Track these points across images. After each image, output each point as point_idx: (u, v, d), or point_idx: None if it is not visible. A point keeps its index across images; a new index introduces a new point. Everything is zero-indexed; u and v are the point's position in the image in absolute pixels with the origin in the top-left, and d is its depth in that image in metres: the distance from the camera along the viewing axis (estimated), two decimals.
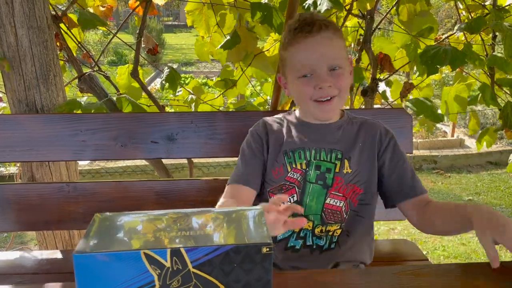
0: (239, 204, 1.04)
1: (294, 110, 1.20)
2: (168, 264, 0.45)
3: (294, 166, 1.07)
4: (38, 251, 1.47)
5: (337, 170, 1.06)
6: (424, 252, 2.00)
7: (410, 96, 2.08)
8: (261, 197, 1.10)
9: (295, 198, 1.06)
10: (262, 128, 1.14)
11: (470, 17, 1.89)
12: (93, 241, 0.47)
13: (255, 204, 1.11)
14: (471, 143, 5.05)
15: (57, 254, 1.43)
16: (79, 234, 1.77)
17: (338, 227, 1.07)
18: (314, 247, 1.06)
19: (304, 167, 1.07)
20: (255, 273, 0.46)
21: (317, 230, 1.06)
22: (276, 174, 1.08)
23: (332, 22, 1.06)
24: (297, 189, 1.06)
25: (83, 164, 4.10)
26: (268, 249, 0.46)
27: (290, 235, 1.07)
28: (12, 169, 3.54)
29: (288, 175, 1.07)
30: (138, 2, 1.88)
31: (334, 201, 1.06)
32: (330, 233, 1.07)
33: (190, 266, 0.45)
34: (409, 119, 1.49)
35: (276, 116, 1.18)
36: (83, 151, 1.40)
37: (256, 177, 1.09)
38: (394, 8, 1.86)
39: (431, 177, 4.35)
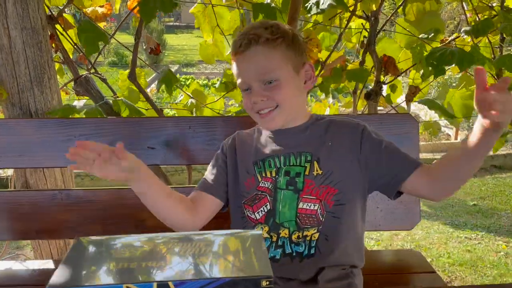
0: (196, 209, 1.06)
1: None
2: None
3: (264, 175, 1.07)
4: (30, 261, 1.42)
5: (306, 173, 1.04)
6: (429, 260, 1.94)
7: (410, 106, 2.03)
8: (237, 211, 1.09)
9: (268, 207, 1.04)
10: (231, 144, 1.15)
11: (477, 19, 1.84)
12: (70, 271, 0.42)
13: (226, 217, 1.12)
14: None
15: (50, 264, 1.38)
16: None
17: (315, 230, 1.02)
18: (294, 254, 1.02)
19: (274, 174, 1.06)
20: None
21: (294, 237, 1.03)
22: (248, 185, 1.08)
23: (270, 33, 1.02)
24: (268, 197, 1.05)
25: None
26: (268, 283, 0.40)
27: (269, 246, 1.04)
28: (10, 171, 3.49)
29: (260, 184, 1.06)
30: (136, 2, 1.83)
31: (307, 204, 1.03)
32: (308, 238, 1.02)
33: None
34: (415, 124, 1.43)
35: (251, 128, 1.19)
36: None
37: (220, 187, 1.10)
38: (401, 8, 1.81)
39: None
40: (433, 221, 3.37)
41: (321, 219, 1.02)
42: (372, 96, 2.04)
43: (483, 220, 3.39)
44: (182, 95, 1.99)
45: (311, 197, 1.02)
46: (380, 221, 1.40)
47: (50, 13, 1.75)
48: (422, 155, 4.70)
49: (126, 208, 1.38)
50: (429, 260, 1.89)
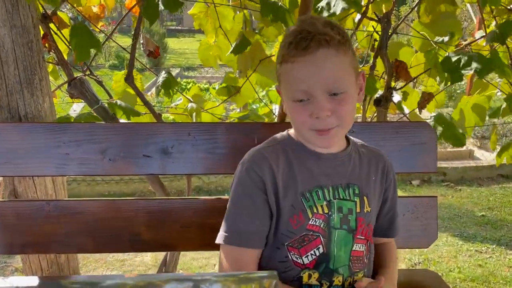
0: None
1: (288, 131, 1.00)
2: None
3: (315, 210, 0.89)
4: (15, 278, 1.31)
5: (358, 209, 0.92)
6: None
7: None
8: (276, 252, 0.91)
9: (321, 250, 0.89)
10: (262, 165, 0.90)
11: (495, 23, 1.74)
12: None
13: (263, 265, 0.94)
14: (481, 154, 4.88)
15: (35, 281, 1.27)
16: (66, 255, 1.60)
17: (362, 274, 0.93)
18: None
19: (326, 210, 0.90)
20: None
21: (346, 283, 0.91)
22: (295, 223, 0.88)
23: (338, 33, 0.85)
24: (322, 238, 0.89)
25: None
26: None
27: None
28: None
29: (310, 222, 0.89)
30: (134, 2, 1.73)
31: (358, 246, 0.92)
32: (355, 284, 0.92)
33: None
34: (432, 134, 1.33)
35: (268, 144, 0.97)
36: (67, 165, 1.24)
37: (262, 234, 0.90)
38: (414, 10, 1.71)
39: (440, 189, 4.17)
40: (441, 232, 3.25)
41: (365, 261, 0.94)
42: (382, 102, 1.94)
43: (492, 232, 3.28)
44: (181, 99, 1.89)
45: (361, 237, 0.92)
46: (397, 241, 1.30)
47: (43, 11, 1.65)
48: None
49: (120, 220, 1.28)
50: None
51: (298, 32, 0.86)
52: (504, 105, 1.79)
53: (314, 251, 0.88)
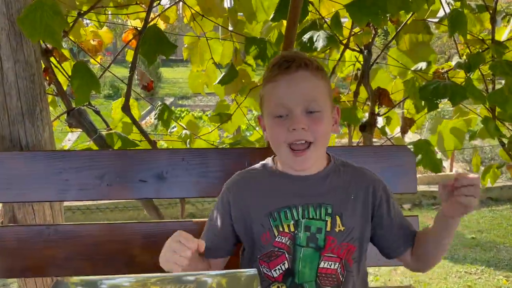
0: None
1: (274, 157, 1.08)
2: None
3: (281, 229, 0.96)
4: None
5: (328, 228, 0.96)
6: None
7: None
8: (253, 265, 1.00)
9: (286, 265, 0.96)
10: (236, 193, 1.03)
11: (469, 52, 1.86)
12: None
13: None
14: None
15: None
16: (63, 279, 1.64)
17: None
18: None
19: (292, 229, 0.96)
20: None
21: None
22: (264, 240, 0.97)
23: (316, 62, 0.98)
24: (287, 255, 0.96)
25: None
26: None
27: None
28: None
29: (276, 239, 0.96)
30: (131, 36, 1.84)
31: (328, 263, 0.95)
32: None
33: None
34: (411, 157, 1.42)
35: (254, 167, 1.08)
36: (67, 190, 1.31)
37: (223, 247, 1.03)
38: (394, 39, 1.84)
39: (431, 213, 4.24)
40: None
41: (341, 279, 0.96)
42: (367, 128, 2.04)
43: (482, 253, 3.34)
44: (175, 126, 1.98)
45: (332, 255, 0.96)
46: (380, 257, 1.35)
47: (45, 46, 1.75)
48: (418, 188, 4.67)
49: (117, 243, 1.33)
50: None
51: (281, 56, 0.99)
52: (481, 127, 1.88)
53: (281, 266, 0.96)
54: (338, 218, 0.96)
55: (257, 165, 1.08)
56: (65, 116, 1.85)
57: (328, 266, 0.95)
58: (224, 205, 1.04)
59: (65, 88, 1.89)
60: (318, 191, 0.98)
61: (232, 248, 1.05)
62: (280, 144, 0.95)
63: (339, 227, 0.96)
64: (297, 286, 0.95)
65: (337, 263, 0.96)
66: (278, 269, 0.96)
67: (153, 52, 1.45)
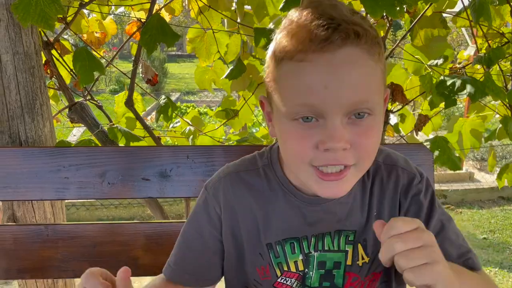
0: None
1: (270, 154, 0.79)
2: None
3: (285, 268, 0.70)
4: None
5: (349, 262, 0.69)
6: None
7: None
8: None
9: None
10: (224, 204, 0.71)
11: (488, 46, 1.78)
12: None
13: None
14: (481, 176, 4.87)
15: None
16: (64, 280, 1.58)
17: None
18: None
19: (300, 267, 0.70)
20: None
21: None
22: (262, 275, 0.71)
23: (373, 29, 0.59)
24: None
25: None
26: None
27: None
28: None
29: (278, 280, 0.70)
30: (135, 28, 1.78)
31: None
32: None
33: None
34: (429, 155, 1.34)
35: (246, 167, 0.76)
36: (66, 189, 1.25)
37: (204, 273, 0.74)
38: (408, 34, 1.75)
39: None
40: None
41: None
42: None
43: (495, 255, 3.25)
44: (178, 121, 1.91)
45: None
46: None
47: (46, 38, 1.69)
48: None
49: (118, 244, 1.28)
50: None
51: (314, 11, 0.56)
52: (500, 126, 1.80)
53: None
54: (360, 247, 0.70)
55: (250, 163, 0.78)
56: (67, 111, 1.80)
57: None
58: (211, 216, 0.74)
59: (67, 82, 1.84)
60: (340, 215, 0.70)
61: (216, 276, 0.78)
62: (300, 164, 0.61)
63: (362, 259, 0.70)
64: None
65: None
66: None
67: (154, 41, 1.38)
